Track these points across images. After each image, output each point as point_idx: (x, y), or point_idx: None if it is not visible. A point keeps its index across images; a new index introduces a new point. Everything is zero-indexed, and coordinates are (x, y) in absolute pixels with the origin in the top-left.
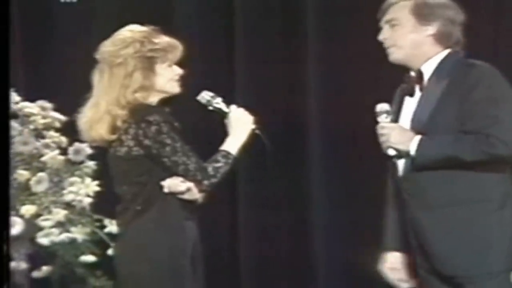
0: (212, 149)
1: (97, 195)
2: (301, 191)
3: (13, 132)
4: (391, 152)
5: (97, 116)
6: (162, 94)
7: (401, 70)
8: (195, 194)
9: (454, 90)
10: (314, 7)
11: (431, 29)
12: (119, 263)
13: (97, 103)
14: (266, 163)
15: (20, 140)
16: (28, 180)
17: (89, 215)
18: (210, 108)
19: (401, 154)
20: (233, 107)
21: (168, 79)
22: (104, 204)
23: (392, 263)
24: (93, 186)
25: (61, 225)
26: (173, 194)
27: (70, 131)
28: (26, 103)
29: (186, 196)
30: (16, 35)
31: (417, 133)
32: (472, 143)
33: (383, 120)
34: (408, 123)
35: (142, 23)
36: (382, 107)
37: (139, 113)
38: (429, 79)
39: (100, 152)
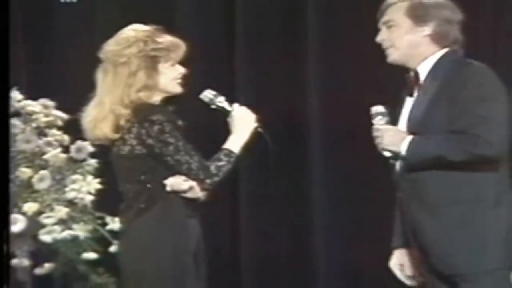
0: (214, 148)
1: (98, 192)
2: (302, 190)
3: (15, 130)
4: (386, 153)
5: (101, 115)
6: (165, 94)
7: (401, 70)
8: (198, 193)
9: (446, 89)
10: (315, 7)
11: (427, 29)
12: (122, 260)
13: (101, 102)
14: (268, 162)
15: (23, 138)
16: (31, 177)
17: (91, 212)
18: (213, 106)
19: (394, 155)
20: (236, 105)
21: (171, 78)
22: (105, 201)
23: (400, 260)
24: (94, 184)
25: (63, 223)
26: (175, 193)
27: (72, 129)
28: (29, 102)
29: (188, 195)
30: (18, 34)
31: (412, 133)
32: (458, 143)
33: (378, 122)
34: (405, 123)
35: (143, 22)
36: (377, 109)
37: (142, 112)
38: (425, 79)
39: (102, 150)
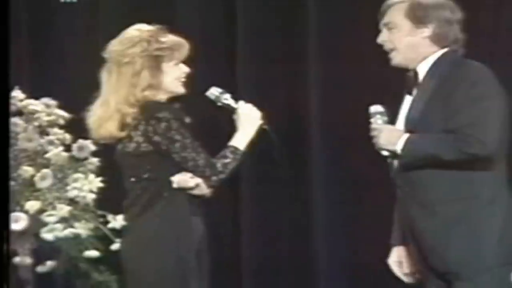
0: (220, 145)
1: (100, 191)
2: (302, 189)
3: (17, 129)
4: (384, 153)
5: (107, 114)
6: (169, 94)
7: (401, 69)
8: (204, 190)
9: (442, 89)
10: (315, 6)
11: (427, 31)
12: (125, 257)
13: (106, 101)
14: (273, 159)
15: (25, 137)
16: (33, 176)
17: (92, 211)
18: (219, 104)
19: (392, 154)
20: (242, 102)
21: (174, 77)
22: (107, 200)
23: (398, 257)
24: (96, 182)
25: (65, 221)
26: (182, 190)
27: (74, 128)
28: (31, 101)
29: (195, 192)
30: (21, 33)
31: (410, 131)
32: (452, 142)
33: (376, 122)
34: (403, 122)
35: (144, 22)
36: (375, 108)
37: (148, 110)
38: (423, 79)
39: (104, 149)
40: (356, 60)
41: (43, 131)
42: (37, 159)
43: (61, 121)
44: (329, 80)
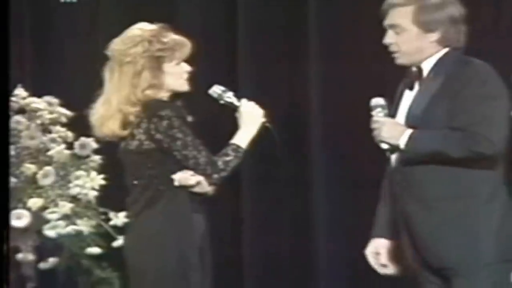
0: (222, 143)
1: (102, 188)
2: (304, 187)
3: (20, 127)
4: (384, 146)
5: (109, 113)
6: (172, 92)
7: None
8: (205, 187)
9: (448, 86)
10: (317, 3)
11: (435, 35)
12: (127, 254)
13: (108, 100)
14: (276, 157)
15: (27, 134)
16: (35, 173)
17: (94, 208)
18: (221, 102)
19: (392, 148)
20: (244, 101)
21: (176, 77)
22: (109, 197)
23: (376, 248)
24: (98, 180)
25: (67, 218)
26: (183, 188)
27: (76, 126)
28: (33, 99)
29: (196, 189)
30: (23, 33)
31: (411, 127)
32: (459, 140)
33: (377, 115)
34: (404, 117)
35: (145, 20)
36: (377, 101)
37: (151, 107)
38: (427, 75)
39: (106, 147)
40: (357, 58)
41: (45, 129)
42: (40, 156)
43: (63, 119)
44: (330, 78)
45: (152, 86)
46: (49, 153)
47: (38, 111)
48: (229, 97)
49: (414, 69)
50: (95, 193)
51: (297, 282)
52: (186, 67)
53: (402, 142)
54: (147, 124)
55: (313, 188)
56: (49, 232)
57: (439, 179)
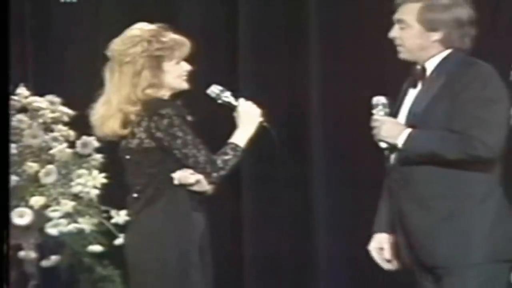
0: (221, 142)
1: (104, 187)
2: (304, 186)
3: (22, 126)
4: (383, 144)
5: (109, 113)
6: (172, 90)
7: (405, 64)
8: (205, 186)
9: (449, 87)
10: (317, 2)
11: (437, 35)
12: (128, 252)
13: (109, 100)
14: (274, 156)
15: (30, 133)
16: (37, 172)
17: (96, 206)
18: (219, 101)
19: (390, 147)
20: (242, 100)
21: (176, 76)
22: (110, 195)
23: (379, 243)
24: (100, 178)
25: (69, 216)
26: (183, 186)
27: (78, 125)
28: (36, 98)
29: (195, 188)
30: (24, 32)
31: (412, 125)
32: (456, 142)
33: (378, 113)
34: (405, 116)
35: (145, 20)
36: (378, 99)
37: (151, 106)
38: (430, 75)
39: (107, 146)
40: (357, 58)
41: (47, 128)
42: (42, 155)
43: (65, 118)
44: (330, 78)
45: (152, 85)
46: (51, 151)
47: (40, 110)
48: (227, 96)
49: (418, 67)
50: (96, 191)
51: (297, 281)
52: (186, 66)
53: (400, 141)
54: (148, 122)
55: (313, 188)
56: (51, 230)
57: (436, 179)
